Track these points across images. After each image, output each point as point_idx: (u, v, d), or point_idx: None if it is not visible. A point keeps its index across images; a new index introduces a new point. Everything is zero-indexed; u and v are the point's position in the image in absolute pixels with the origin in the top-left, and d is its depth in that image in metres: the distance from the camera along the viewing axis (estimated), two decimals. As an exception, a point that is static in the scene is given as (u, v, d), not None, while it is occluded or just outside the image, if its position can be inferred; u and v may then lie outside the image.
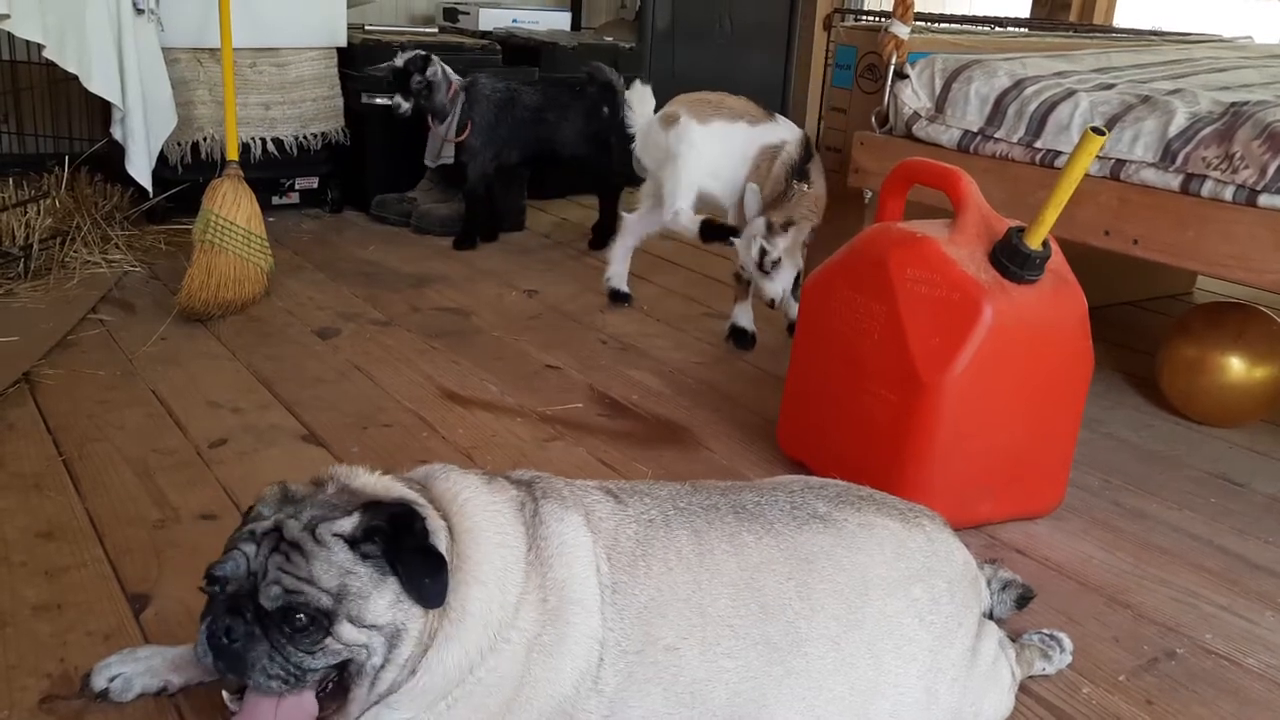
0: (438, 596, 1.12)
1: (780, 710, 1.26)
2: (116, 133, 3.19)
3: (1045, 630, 1.61)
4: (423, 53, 3.61)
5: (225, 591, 1.11)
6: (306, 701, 1.13)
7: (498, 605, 1.17)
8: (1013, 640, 1.52)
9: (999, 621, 1.56)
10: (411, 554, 1.11)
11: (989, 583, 1.58)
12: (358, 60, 3.98)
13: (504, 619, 1.17)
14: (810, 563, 1.31)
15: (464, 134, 3.67)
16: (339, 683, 1.14)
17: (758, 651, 1.25)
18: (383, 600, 1.11)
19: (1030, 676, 1.54)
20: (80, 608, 1.58)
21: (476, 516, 1.22)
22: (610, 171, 3.90)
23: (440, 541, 1.16)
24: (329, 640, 1.09)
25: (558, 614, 1.20)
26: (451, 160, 3.79)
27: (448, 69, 3.64)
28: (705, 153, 2.83)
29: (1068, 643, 1.59)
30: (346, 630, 1.09)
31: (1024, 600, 1.65)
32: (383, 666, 1.12)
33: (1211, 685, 1.59)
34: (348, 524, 1.12)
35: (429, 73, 3.56)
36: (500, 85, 3.71)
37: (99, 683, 1.37)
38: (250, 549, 1.11)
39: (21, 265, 3.01)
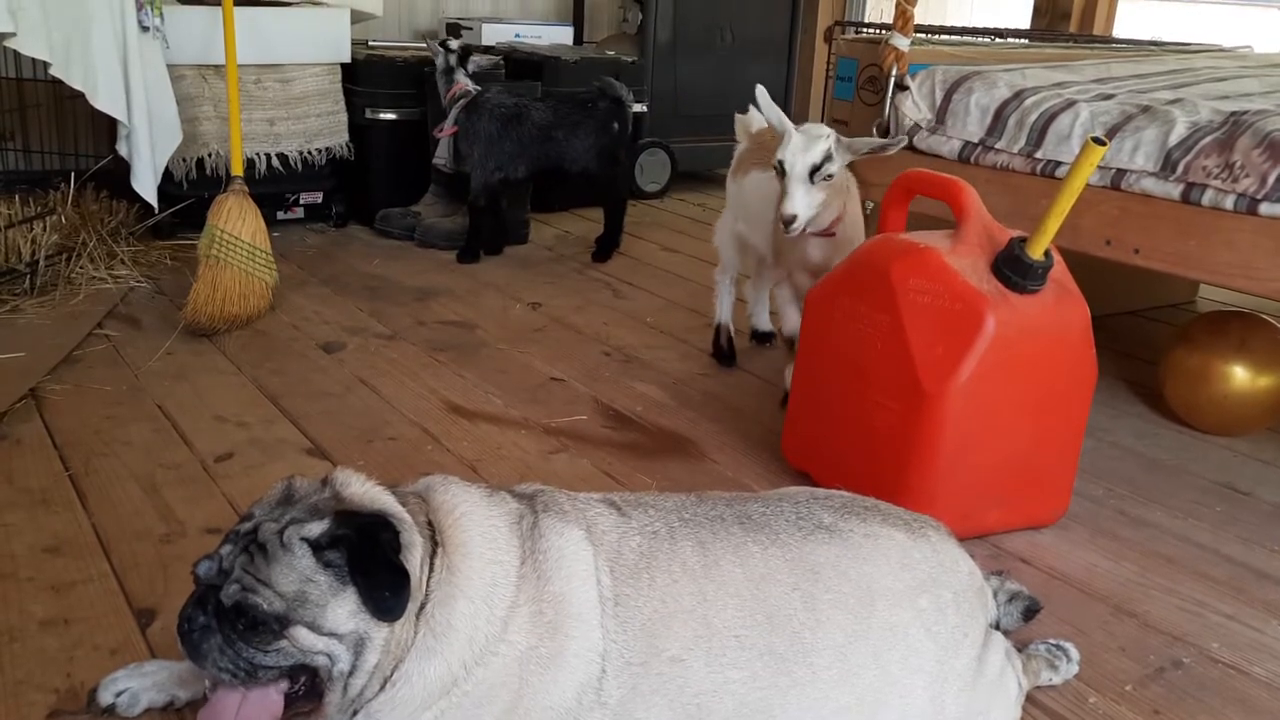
0: (395, 610, 1.13)
1: (786, 721, 1.26)
2: (122, 149, 3.20)
3: (1051, 640, 1.60)
4: (468, 52, 3.74)
5: (200, 585, 1.16)
6: (271, 699, 1.15)
7: (484, 620, 1.18)
8: (1019, 650, 1.52)
9: (1006, 633, 1.55)
10: (373, 565, 1.12)
11: (996, 594, 1.58)
12: (361, 76, 4.01)
13: (491, 633, 1.18)
14: (816, 573, 1.31)
15: (445, 132, 3.74)
16: (312, 686, 1.16)
17: (764, 662, 1.25)
18: (342, 609, 1.12)
19: (1037, 687, 1.54)
20: (87, 623, 1.58)
21: (470, 530, 1.23)
22: (618, 185, 3.92)
23: (413, 556, 1.16)
24: (283, 642, 1.11)
25: (555, 627, 1.20)
26: (443, 162, 3.84)
27: (460, 77, 3.70)
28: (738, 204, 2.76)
29: (1074, 652, 1.59)
30: (303, 635, 1.11)
31: (1031, 612, 1.65)
32: (351, 673, 1.14)
33: (1218, 694, 1.58)
34: (316, 529, 1.13)
35: (452, 56, 3.73)
36: (509, 101, 3.73)
37: (106, 698, 1.38)
38: (227, 549, 1.15)
39: (28, 281, 3.02)
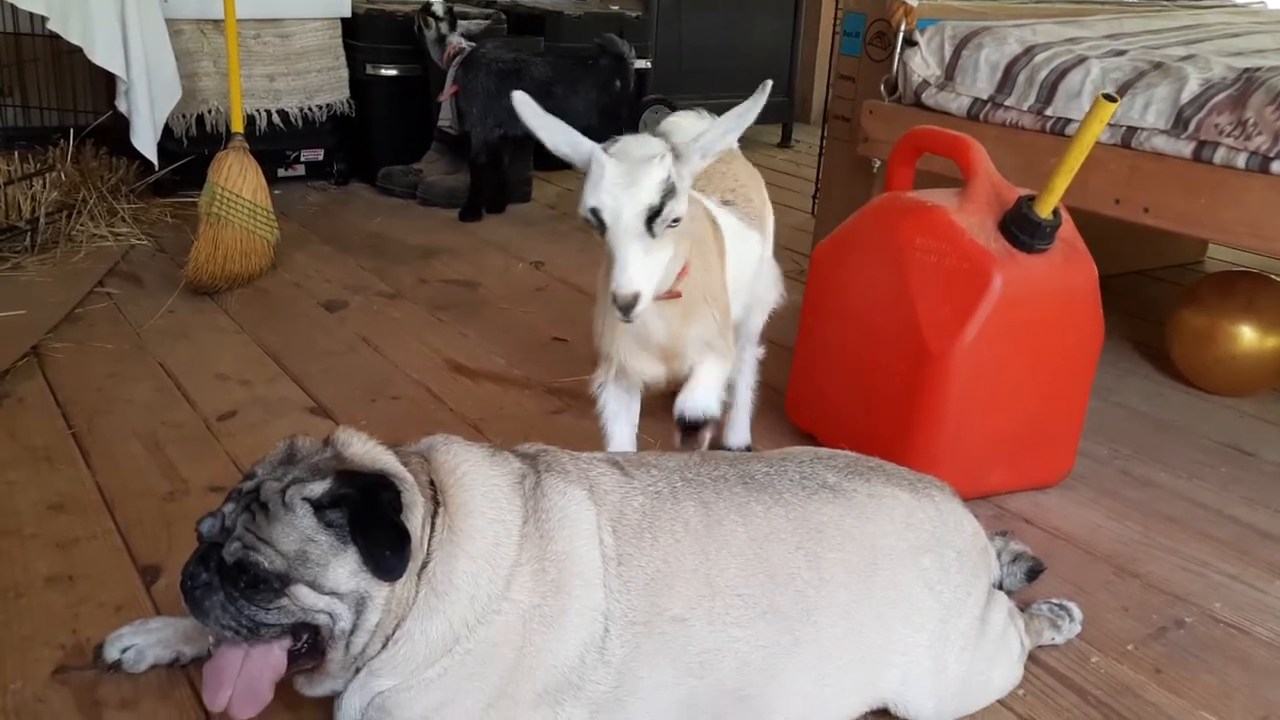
0: (396, 570, 1.13)
1: (789, 679, 1.27)
2: (121, 105, 3.17)
3: (1054, 600, 1.61)
4: (454, 16, 3.71)
5: (203, 542, 1.16)
6: (274, 656, 1.16)
7: (486, 579, 1.18)
8: (1022, 610, 1.52)
9: (1009, 593, 1.56)
10: (375, 525, 1.12)
11: (999, 554, 1.58)
12: (362, 31, 3.96)
13: (493, 592, 1.18)
14: (819, 533, 1.31)
15: (445, 93, 3.71)
16: (314, 644, 1.17)
17: (767, 621, 1.26)
18: (343, 569, 1.12)
19: (1039, 646, 1.54)
20: (92, 580, 1.59)
21: (473, 490, 1.22)
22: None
23: (414, 515, 1.16)
24: (284, 600, 1.12)
25: (558, 586, 1.20)
26: (448, 123, 3.81)
27: (454, 36, 3.67)
28: None
29: (1077, 612, 1.59)
30: (304, 594, 1.12)
31: (1034, 573, 1.65)
32: (353, 631, 1.15)
33: (1220, 654, 1.59)
34: (318, 489, 1.13)
35: (443, 25, 3.71)
36: (507, 56, 3.68)
37: (112, 654, 1.38)
38: (230, 508, 1.15)
39: (28, 239, 3.01)
